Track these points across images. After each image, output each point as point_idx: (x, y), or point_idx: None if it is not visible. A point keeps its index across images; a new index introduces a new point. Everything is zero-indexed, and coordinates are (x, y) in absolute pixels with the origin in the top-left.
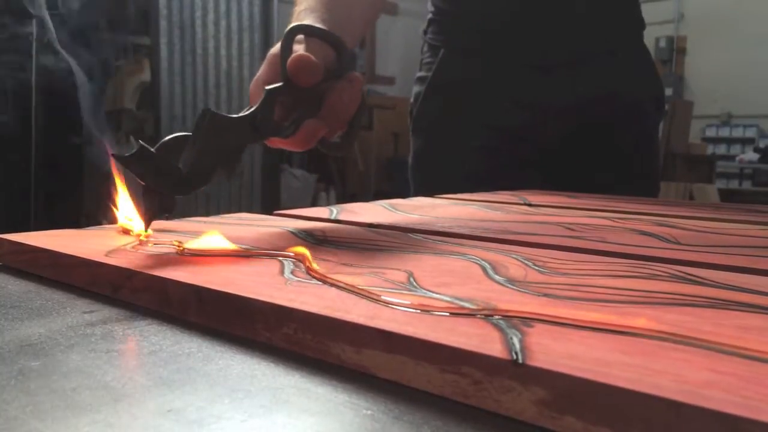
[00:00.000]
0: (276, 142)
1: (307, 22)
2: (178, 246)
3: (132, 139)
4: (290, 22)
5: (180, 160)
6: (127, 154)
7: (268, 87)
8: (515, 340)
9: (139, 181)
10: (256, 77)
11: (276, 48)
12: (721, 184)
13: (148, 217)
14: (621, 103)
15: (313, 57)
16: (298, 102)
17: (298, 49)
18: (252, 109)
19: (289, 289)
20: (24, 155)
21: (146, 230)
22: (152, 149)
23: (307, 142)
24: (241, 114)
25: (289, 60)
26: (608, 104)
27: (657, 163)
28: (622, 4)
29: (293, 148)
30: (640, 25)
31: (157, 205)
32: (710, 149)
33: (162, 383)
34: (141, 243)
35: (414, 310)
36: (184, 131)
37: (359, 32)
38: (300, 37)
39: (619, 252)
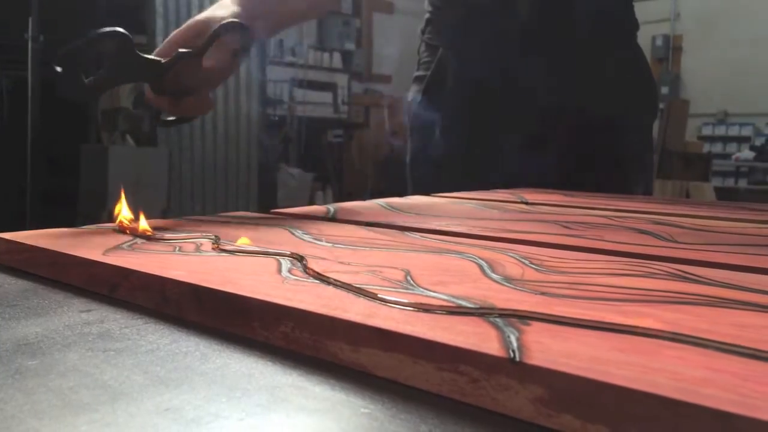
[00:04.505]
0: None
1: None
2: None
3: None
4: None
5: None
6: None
7: (180, 50)
8: (512, 339)
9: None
10: (170, 37)
11: (200, 17)
12: (717, 182)
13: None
14: (618, 103)
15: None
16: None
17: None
18: (162, 61)
19: (286, 288)
20: (20, 155)
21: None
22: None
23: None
24: (151, 56)
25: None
26: (605, 104)
27: (651, 161)
28: (619, 5)
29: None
30: (635, 26)
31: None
32: (706, 147)
33: (159, 382)
34: (147, 237)
35: (411, 309)
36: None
37: (282, 23)
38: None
39: (616, 250)
